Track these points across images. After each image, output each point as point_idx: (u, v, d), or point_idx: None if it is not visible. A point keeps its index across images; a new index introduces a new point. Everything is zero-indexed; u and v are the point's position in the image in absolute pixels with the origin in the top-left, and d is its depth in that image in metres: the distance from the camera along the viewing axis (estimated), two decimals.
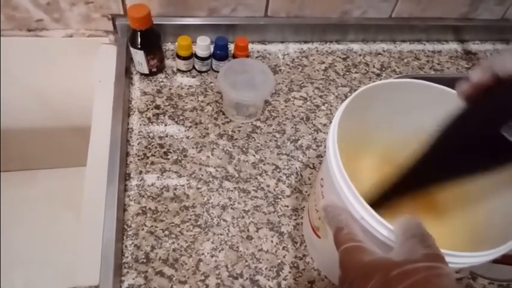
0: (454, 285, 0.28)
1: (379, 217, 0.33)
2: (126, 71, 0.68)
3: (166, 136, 0.64)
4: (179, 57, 0.69)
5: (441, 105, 0.38)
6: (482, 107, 0.33)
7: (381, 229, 0.33)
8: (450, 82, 0.44)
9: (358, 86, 0.76)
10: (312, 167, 0.63)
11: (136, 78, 0.70)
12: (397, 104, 0.46)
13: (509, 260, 0.55)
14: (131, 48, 0.66)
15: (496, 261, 0.55)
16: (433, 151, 0.36)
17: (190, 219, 0.56)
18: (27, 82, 0.80)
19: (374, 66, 0.80)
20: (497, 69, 0.30)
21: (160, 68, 0.71)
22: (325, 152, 0.65)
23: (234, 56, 0.73)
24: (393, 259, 0.30)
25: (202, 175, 0.60)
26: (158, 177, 0.59)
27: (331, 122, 0.68)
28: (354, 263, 0.32)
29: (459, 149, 0.34)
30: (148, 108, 0.67)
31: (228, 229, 0.56)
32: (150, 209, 0.56)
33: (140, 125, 0.64)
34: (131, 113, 0.66)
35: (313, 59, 0.79)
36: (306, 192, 0.60)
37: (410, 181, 0.39)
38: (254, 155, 0.63)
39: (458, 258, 0.33)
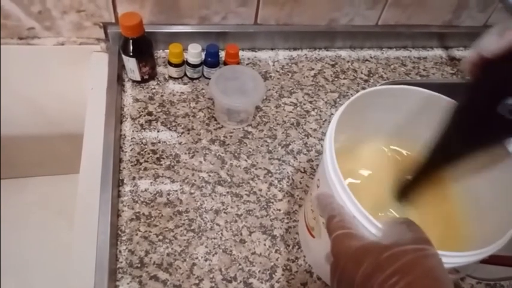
0: (440, 264, 0.29)
1: (370, 216, 0.34)
2: (118, 78, 0.69)
3: (159, 142, 0.64)
4: (171, 64, 0.70)
5: (434, 111, 0.40)
6: (476, 86, 0.34)
7: (371, 227, 0.34)
8: (436, 87, 0.46)
9: (347, 92, 0.77)
10: (303, 171, 0.65)
11: (128, 85, 0.71)
12: (391, 109, 0.47)
13: (496, 260, 0.56)
14: (123, 56, 0.67)
15: (483, 261, 0.56)
16: (446, 133, 0.38)
17: (183, 223, 0.56)
18: (19, 90, 0.80)
19: (362, 73, 0.82)
20: (482, 49, 0.31)
21: (152, 75, 0.72)
22: (316, 156, 0.66)
23: (225, 63, 0.74)
24: (382, 243, 0.31)
25: (195, 180, 0.61)
26: (151, 182, 0.60)
27: (321, 127, 0.70)
28: (345, 249, 0.33)
29: (466, 127, 0.36)
30: (140, 115, 0.67)
31: (221, 233, 0.56)
32: (143, 214, 0.57)
33: (133, 131, 0.65)
34: (124, 119, 0.66)
35: (303, 66, 0.81)
36: (298, 196, 0.62)
37: (431, 165, 0.41)
38: (246, 160, 0.64)
39: (448, 258, 0.34)
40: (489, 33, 0.32)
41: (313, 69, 0.81)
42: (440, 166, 0.41)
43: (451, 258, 0.34)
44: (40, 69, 0.76)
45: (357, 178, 0.50)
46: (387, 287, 0.28)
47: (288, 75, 0.78)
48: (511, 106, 0.30)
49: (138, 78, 0.70)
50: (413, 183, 0.44)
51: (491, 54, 0.31)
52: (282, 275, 0.54)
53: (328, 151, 0.39)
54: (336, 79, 0.80)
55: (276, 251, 0.56)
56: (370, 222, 0.34)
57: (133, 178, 0.60)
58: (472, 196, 0.46)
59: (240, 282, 0.53)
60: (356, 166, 0.51)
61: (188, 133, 0.66)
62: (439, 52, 0.90)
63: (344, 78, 0.80)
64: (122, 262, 0.52)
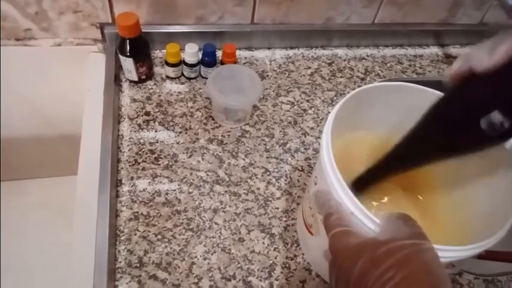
0: (436, 259, 0.30)
1: (368, 213, 0.34)
2: (115, 78, 0.69)
3: (157, 142, 0.64)
4: (168, 64, 0.70)
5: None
6: (460, 96, 0.34)
7: (370, 224, 0.34)
8: (432, 85, 0.46)
9: (344, 90, 0.78)
10: (300, 169, 0.65)
11: (125, 85, 0.71)
12: (388, 107, 0.48)
13: (493, 255, 0.57)
14: (120, 56, 0.67)
15: (480, 257, 0.57)
16: (415, 132, 0.38)
17: (182, 223, 0.57)
18: (16, 91, 0.80)
19: (358, 71, 0.82)
20: (474, 64, 0.31)
21: (150, 75, 0.72)
22: (313, 154, 0.66)
23: (222, 63, 0.74)
24: (379, 239, 0.32)
25: (193, 179, 0.61)
26: (150, 182, 0.60)
27: (318, 126, 0.71)
28: (343, 246, 0.33)
29: (441, 131, 0.36)
30: (138, 115, 0.67)
31: (220, 232, 0.57)
32: (142, 214, 0.57)
33: (131, 131, 0.65)
34: (121, 120, 0.66)
35: (299, 65, 0.81)
36: (296, 194, 0.62)
37: (392, 161, 0.41)
38: (244, 159, 0.64)
39: (444, 252, 0.34)
40: (479, 47, 0.31)
41: (310, 68, 0.81)
42: (405, 165, 0.41)
43: (447, 253, 0.34)
44: (37, 70, 0.76)
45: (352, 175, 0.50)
46: (383, 281, 0.28)
47: (285, 74, 0.79)
48: (493, 121, 0.30)
49: (136, 79, 0.70)
50: (373, 174, 0.44)
51: (481, 69, 0.31)
52: (281, 272, 0.54)
53: (325, 148, 0.39)
54: (333, 78, 0.80)
55: (274, 249, 0.56)
56: (367, 218, 0.35)
57: (132, 178, 0.60)
58: (468, 192, 0.47)
59: (239, 280, 0.53)
60: (353, 165, 0.51)
61: (186, 133, 0.66)
62: (435, 50, 0.91)
63: (341, 77, 0.80)
64: (120, 262, 0.52)
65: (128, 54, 0.66)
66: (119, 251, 0.53)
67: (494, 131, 0.30)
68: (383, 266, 0.29)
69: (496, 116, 0.30)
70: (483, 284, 0.57)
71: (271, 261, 0.55)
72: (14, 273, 0.84)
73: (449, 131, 0.35)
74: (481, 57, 0.30)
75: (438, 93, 0.45)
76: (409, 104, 0.47)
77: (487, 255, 0.57)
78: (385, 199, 0.51)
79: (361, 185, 0.45)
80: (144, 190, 0.59)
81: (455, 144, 0.35)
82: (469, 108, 0.33)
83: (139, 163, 0.62)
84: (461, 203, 0.47)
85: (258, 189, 0.61)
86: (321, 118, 0.72)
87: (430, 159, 0.39)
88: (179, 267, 0.53)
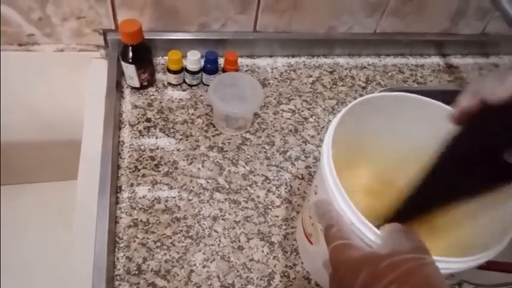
0: (437, 273, 0.30)
1: (368, 223, 0.34)
2: (117, 84, 0.69)
3: (157, 149, 0.64)
4: (170, 71, 0.71)
5: (434, 119, 0.40)
6: (476, 132, 0.32)
7: (369, 234, 0.34)
8: (433, 95, 0.46)
9: (345, 99, 0.78)
10: (301, 177, 0.65)
11: (127, 91, 0.71)
12: (388, 116, 0.48)
13: (493, 266, 0.56)
14: (122, 63, 0.67)
15: (481, 267, 0.56)
16: (433, 175, 0.36)
17: (181, 230, 0.56)
18: (18, 96, 0.80)
19: (360, 80, 0.82)
20: (486, 95, 0.30)
21: (151, 82, 0.72)
22: (313, 163, 0.66)
23: (224, 70, 0.74)
24: (380, 252, 0.31)
25: (193, 187, 0.61)
26: (149, 189, 0.60)
27: (319, 134, 0.71)
28: (343, 259, 0.33)
29: (457, 172, 0.34)
30: (139, 121, 0.67)
31: (220, 240, 0.56)
32: (141, 221, 0.57)
33: (131, 138, 0.65)
34: (122, 126, 0.66)
35: (301, 73, 0.81)
36: (296, 202, 0.62)
37: (414, 207, 0.38)
38: (244, 167, 0.64)
39: (445, 264, 0.34)
40: (486, 79, 0.30)
41: (311, 76, 0.81)
42: (429, 207, 0.38)
43: (447, 264, 0.34)
44: (39, 76, 0.76)
45: (354, 187, 0.50)
46: None
47: (286, 82, 0.79)
48: None
49: (137, 85, 0.70)
50: (402, 215, 0.40)
51: (496, 100, 0.29)
52: (280, 281, 0.54)
53: (326, 157, 0.39)
54: (334, 86, 0.80)
55: (274, 258, 0.56)
56: (368, 229, 0.34)
57: (132, 185, 0.60)
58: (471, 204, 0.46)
59: None
60: (354, 175, 0.51)
61: (186, 139, 0.66)
62: (436, 60, 0.91)
63: (342, 86, 0.80)
64: (119, 269, 0.52)
65: (130, 60, 0.66)
66: (117, 258, 0.53)
67: None
68: (385, 281, 0.29)
69: None
70: None
71: (270, 270, 0.55)
72: (14, 277, 0.84)
73: (472, 170, 0.33)
74: (493, 88, 0.29)
75: (440, 105, 0.45)
76: (411, 114, 0.47)
77: (488, 266, 0.57)
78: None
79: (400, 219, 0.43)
80: (143, 197, 0.59)
81: (482, 182, 0.33)
82: (491, 143, 0.31)
83: (139, 170, 0.62)
84: (461, 213, 0.47)
85: (258, 197, 0.61)
86: (321, 126, 0.72)
87: (456, 201, 0.35)
88: (178, 275, 0.53)
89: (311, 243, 0.49)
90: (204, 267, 0.54)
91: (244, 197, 0.61)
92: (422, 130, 0.45)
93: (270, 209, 0.60)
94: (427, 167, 0.36)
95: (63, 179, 1.02)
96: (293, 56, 0.84)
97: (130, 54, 0.66)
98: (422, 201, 0.37)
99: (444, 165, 0.35)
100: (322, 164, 0.39)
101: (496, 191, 0.33)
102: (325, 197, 0.39)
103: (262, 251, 0.56)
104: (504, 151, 0.29)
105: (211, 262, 0.54)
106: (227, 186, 0.62)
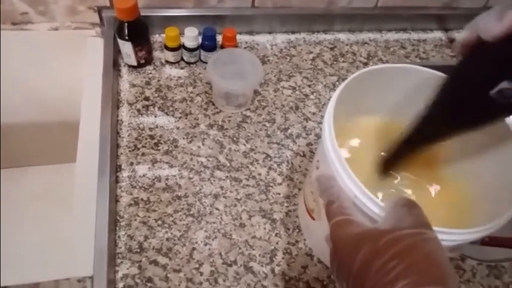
0: (439, 248, 0.29)
1: (372, 195, 0.34)
2: (114, 63, 0.68)
3: (157, 127, 0.64)
4: (167, 48, 0.69)
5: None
6: (470, 67, 0.34)
7: (373, 207, 0.34)
8: (435, 69, 0.45)
9: (346, 75, 0.76)
10: (302, 155, 0.64)
11: (124, 70, 0.70)
12: (390, 89, 0.47)
13: (496, 242, 0.56)
14: (119, 40, 0.66)
15: (483, 243, 0.56)
16: (430, 110, 0.38)
17: (182, 208, 0.56)
18: (13, 77, 0.78)
19: (361, 56, 0.81)
20: (481, 32, 0.30)
21: (149, 60, 0.71)
22: (315, 140, 0.66)
23: (222, 47, 0.73)
24: (381, 228, 0.31)
25: (193, 165, 0.60)
26: (149, 168, 0.59)
27: (320, 111, 0.70)
28: (343, 235, 0.33)
29: (453, 106, 0.35)
30: (137, 100, 0.66)
31: (221, 217, 0.56)
32: (142, 199, 0.56)
33: (130, 116, 0.64)
34: (120, 105, 0.66)
35: (301, 49, 0.80)
36: (297, 179, 0.61)
37: (414, 139, 0.41)
38: (245, 144, 0.64)
39: (447, 235, 0.33)
40: (487, 15, 0.30)
41: (311, 52, 0.80)
42: (423, 142, 0.41)
43: (450, 236, 0.34)
44: (34, 55, 0.75)
45: (354, 155, 0.49)
46: (385, 271, 0.28)
47: (286, 58, 0.77)
48: (506, 90, 0.30)
49: (135, 63, 0.69)
50: (394, 156, 0.44)
51: (490, 37, 0.30)
52: (283, 258, 0.54)
53: (328, 130, 0.38)
54: (335, 62, 0.79)
55: (276, 235, 0.56)
56: (372, 202, 0.34)
57: (131, 164, 0.59)
58: (473, 176, 0.46)
59: (241, 266, 0.52)
60: (354, 145, 0.51)
61: (186, 118, 0.65)
62: (438, 34, 0.89)
63: (343, 62, 0.79)
64: (121, 247, 0.52)
65: (127, 38, 0.64)
66: (119, 237, 0.53)
67: (504, 98, 0.30)
68: (385, 256, 0.28)
69: (506, 84, 0.29)
70: (486, 270, 0.57)
71: (272, 247, 0.55)
72: (14, 260, 0.84)
73: (461, 104, 0.34)
74: (489, 25, 0.30)
75: (439, 74, 0.44)
76: (411, 86, 0.47)
77: (490, 242, 0.57)
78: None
79: (385, 167, 0.45)
80: (144, 175, 0.58)
81: (469, 117, 0.35)
82: (479, 78, 0.32)
83: (138, 148, 0.61)
84: (466, 188, 0.47)
85: (259, 174, 0.61)
86: (322, 103, 0.71)
87: (448, 134, 0.38)
88: (180, 252, 0.52)
89: (313, 219, 0.48)
90: (205, 244, 0.54)
91: (245, 175, 0.60)
92: (423, 102, 0.44)
93: (272, 186, 0.60)
94: (426, 102, 0.38)
95: (62, 162, 1.02)
96: (293, 32, 0.82)
97: (127, 31, 0.64)
98: (420, 135, 0.40)
99: (442, 97, 0.36)
100: (324, 138, 0.39)
101: (483, 127, 0.35)
102: (327, 172, 0.39)
103: (264, 228, 0.56)
104: (492, 88, 0.30)
105: (213, 240, 0.54)
106: (228, 164, 0.61)
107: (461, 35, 0.33)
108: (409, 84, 0.46)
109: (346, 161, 0.36)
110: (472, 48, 0.32)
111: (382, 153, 0.46)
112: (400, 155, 0.43)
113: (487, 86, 0.31)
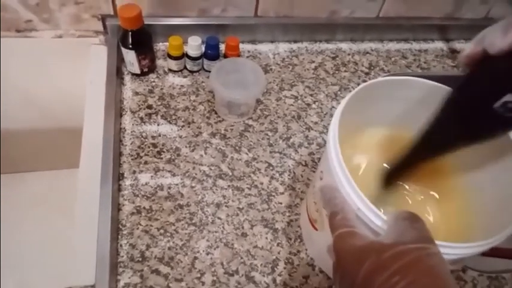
0: (442, 263, 0.29)
1: (375, 208, 0.34)
2: (117, 71, 0.68)
3: (159, 136, 0.64)
4: (170, 57, 0.70)
5: (437, 101, 0.40)
6: (474, 81, 0.34)
7: (376, 220, 0.34)
8: (437, 80, 0.45)
9: (348, 85, 0.77)
10: (304, 164, 0.64)
11: (127, 78, 0.70)
12: (394, 101, 0.47)
13: (497, 253, 0.56)
14: (122, 49, 0.66)
15: (485, 254, 0.56)
16: (435, 123, 0.38)
17: (185, 217, 0.56)
18: (17, 84, 0.79)
19: (363, 65, 0.81)
20: (486, 45, 0.30)
21: (152, 68, 0.71)
22: (317, 149, 0.66)
23: (225, 56, 0.73)
24: (384, 242, 0.31)
25: (196, 174, 0.60)
26: (152, 176, 0.59)
27: (322, 120, 0.70)
28: (347, 248, 0.33)
29: (458, 119, 0.36)
30: (140, 108, 0.67)
31: (223, 227, 0.56)
32: (144, 208, 0.56)
33: (133, 125, 0.64)
34: (123, 113, 0.66)
35: (303, 59, 0.80)
36: (299, 189, 0.61)
37: (419, 152, 0.41)
38: (247, 153, 0.64)
39: (450, 249, 0.33)
40: (492, 28, 0.31)
41: (313, 62, 0.80)
42: (427, 155, 0.41)
43: (453, 250, 0.34)
44: (38, 63, 0.75)
45: (358, 169, 0.50)
46: (388, 286, 0.28)
47: (289, 68, 0.78)
48: (510, 103, 0.30)
49: (138, 71, 0.69)
50: (397, 168, 0.44)
51: (495, 51, 0.30)
52: (284, 268, 0.54)
53: (332, 141, 0.38)
54: (337, 72, 0.79)
55: (277, 245, 0.56)
56: (375, 215, 0.34)
57: (134, 172, 0.59)
58: (476, 188, 0.46)
59: (242, 275, 0.52)
60: (358, 157, 0.51)
61: (188, 126, 0.65)
62: (439, 45, 0.90)
63: (345, 71, 0.79)
64: (123, 256, 0.52)
65: (130, 46, 0.65)
66: (121, 245, 0.53)
67: (509, 112, 0.30)
68: (389, 271, 0.28)
69: (510, 97, 0.29)
70: (487, 281, 0.57)
71: (274, 257, 0.55)
72: (14, 267, 0.84)
73: (466, 117, 0.34)
74: (494, 38, 0.30)
75: (443, 87, 0.44)
76: (415, 98, 0.47)
77: (491, 253, 0.57)
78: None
79: (388, 179, 0.45)
80: (146, 184, 0.58)
81: (474, 130, 0.35)
82: (483, 91, 0.32)
83: (141, 157, 0.61)
84: (468, 200, 0.47)
85: (261, 184, 0.61)
86: (324, 113, 0.71)
87: (452, 148, 0.38)
88: (182, 262, 0.52)
89: (316, 229, 0.49)
90: (207, 254, 0.54)
91: (247, 184, 0.61)
92: (427, 114, 0.44)
93: (274, 195, 0.60)
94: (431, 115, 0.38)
95: (64, 168, 1.02)
96: (295, 42, 0.83)
97: (130, 39, 0.64)
98: (425, 148, 0.40)
99: (447, 110, 0.36)
100: (329, 149, 0.39)
101: (487, 140, 0.35)
102: (331, 183, 0.39)
103: (266, 238, 0.56)
104: (496, 101, 0.30)
105: (215, 249, 0.54)
106: (230, 173, 0.61)
107: (465, 46, 0.33)
108: (414, 96, 0.47)
109: (350, 173, 0.36)
110: (477, 61, 0.32)
111: (386, 165, 0.46)
112: (404, 168, 0.43)
113: (491, 99, 0.31)
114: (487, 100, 0.31)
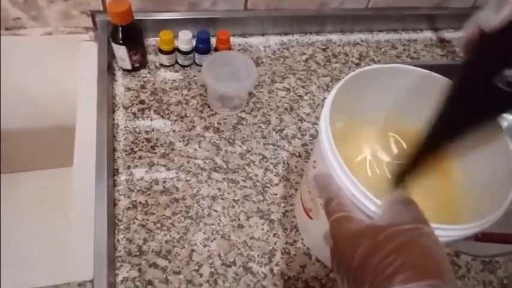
0: (436, 242, 0.30)
1: (369, 193, 0.34)
2: (108, 67, 0.68)
3: (153, 130, 0.64)
4: (162, 51, 0.69)
5: (426, 89, 0.40)
6: (474, 60, 0.34)
7: (370, 205, 0.35)
8: (426, 69, 0.46)
9: (339, 76, 0.77)
10: (298, 155, 0.65)
11: (119, 74, 0.70)
12: (385, 89, 0.48)
13: (489, 238, 0.58)
14: (113, 44, 0.66)
15: (477, 239, 0.58)
16: (443, 110, 0.37)
17: (181, 211, 0.56)
18: (7, 82, 0.78)
19: (353, 56, 0.82)
20: (482, 25, 0.31)
21: (143, 64, 0.71)
22: (310, 140, 0.66)
23: (216, 50, 0.73)
24: (379, 224, 0.32)
25: (190, 167, 0.61)
26: (147, 171, 0.59)
27: (314, 111, 0.70)
28: (343, 232, 0.33)
29: (464, 102, 0.35)
30: (133, 104, 0.66)
31: (219, 219, 0.56)
32: (140, 202, 0.56)
33: (126, 120, 0.64)
34: (116, 109, 0.66)
35: (294, 51, 0.80)
36: (294, 180, 0.62)
37: (430, 146, 0.40)
38: (241, 146, 0.64)
39: (442, 231, 0.34)
40: (485, 8, 0.31)
41: (304, 53, 0.80)
42: (439, 146, 0.40)
43: (444, 231, 0.34)
44: (28, 60, 0.74)
45: (353, 160, 0.50)
46: (383, 267, 0.28)
47: (280, 60, 0.78)
48: (510, 77, 0.30)
49: (129, 67, 0.69)
50: (410, 166, 0.43)
51: (490, 28, 0.31)
52: (281, 258, 0.54)
53: (324, 129, 0.39)
54: (328, 63, 0.79)
55: (274, 235, 0.56)
56: (369, 200, 0.35)
57: (128, 167, 0.59)
58: (466, 173, 0.47)
59: (240, 266, 0.53)
60: (352, 148, 0.51)
61: (182, 121, 0.66)
62: (428, 34, 0.91)
63: (336, 62, 0.80)
64: (120, 251, 0.52)
65: (121, 42, 0.65)
66: (118, 240, 0.53)
67: (509, 86, 0.30)
68: (383, 252, 0.29)
69: (509, 72, 0.30)
70: (481, 265, 0.58)
71: (271, 247, 0.55)
72: (13, 265, 0.83)
73: (472, 97, 0.34)
74: (488, 16, 0.30)
75: (433, 74, 0.45)
76: (405, 86, 0.48)
77: (483, 238, 0.58)
78: None
79: (400, 179, 0.43)
80: (141, 179, 0.59)
81: (481, 110, 0.35)
82: (484, 67, 0.33)
83: (135, 152, 0.61)
84: (460, 185, 0.47)
85: (256, 175, 0.61)
86: (316, 104, 0.72)
87: (461, 133, 0.37)
88: (179, 254, 0.53)
89: (311, 218, 0.49)
90: (204, 246, 0.54)
91: (242, 176, 0.61)
92: (419, 101, 0.45)
93: (268, 187, 0.60)
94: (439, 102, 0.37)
95: (58, 166, 1.01)
96: (285, 34, 0.83)
97: (121, 35, 0.64)
98: (435, 139, 0.39)
99: (452, 94, 0.36)
100: (321, 137, 0.39)
101: (495, 118, 0.36)
102: (324, 170, 0.39)
103: (262, 229, 0.56)
104: (495, 76, 0.31)
105: (211, 241, 0.54)
106: (225, 166, 0.62)
107: (457, 36, 0.34)
108: (404, 85, 0.47)
109: (343, 159, 0.36)
110: (475, 43, 0.33)
111: (391, 161, 0.46)
112: (416, 164, 0.41)
113: (490, 75, 0.31)
114: (487, 76, 0.32)
